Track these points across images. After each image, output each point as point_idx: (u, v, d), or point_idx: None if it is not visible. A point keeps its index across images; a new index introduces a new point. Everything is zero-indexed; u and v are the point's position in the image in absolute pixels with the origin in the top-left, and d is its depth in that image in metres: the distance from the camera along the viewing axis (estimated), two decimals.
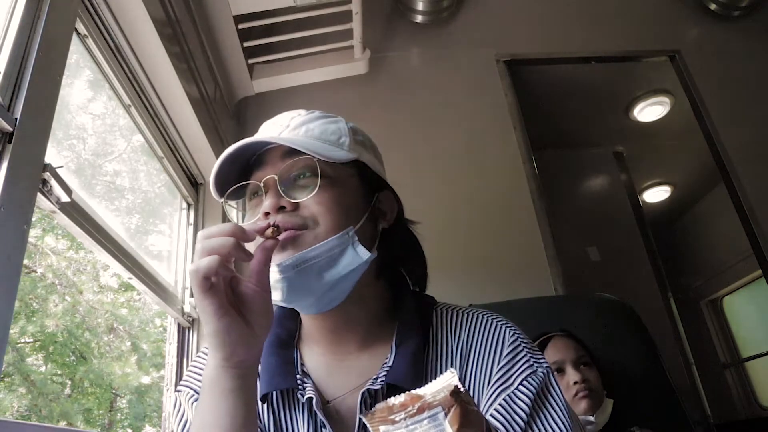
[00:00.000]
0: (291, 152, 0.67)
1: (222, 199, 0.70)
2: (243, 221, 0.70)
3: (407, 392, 0.37)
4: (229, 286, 0.58)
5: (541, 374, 0.65)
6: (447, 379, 0.36)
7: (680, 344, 2.92)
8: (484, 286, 2.02)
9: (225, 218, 1.97)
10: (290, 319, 0.76)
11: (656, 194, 3.95)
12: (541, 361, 0.67)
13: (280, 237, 0.62)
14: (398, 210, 0.76)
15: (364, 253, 0.65)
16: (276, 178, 0.65)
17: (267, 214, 0.64)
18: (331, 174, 0.67)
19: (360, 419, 0.63)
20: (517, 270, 2.10)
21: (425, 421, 0.33)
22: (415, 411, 0.34)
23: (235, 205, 0.73)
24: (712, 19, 2.75)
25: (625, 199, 3.29)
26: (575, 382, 1.33)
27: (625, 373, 1.43)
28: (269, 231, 0.61)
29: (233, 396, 0.57)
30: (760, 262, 2.30)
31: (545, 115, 2.79)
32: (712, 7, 2.73)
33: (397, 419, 0.35)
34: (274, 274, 0.62)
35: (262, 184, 0.67)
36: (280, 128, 0.70)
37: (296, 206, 0.65)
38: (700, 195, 3.84)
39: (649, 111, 3.07)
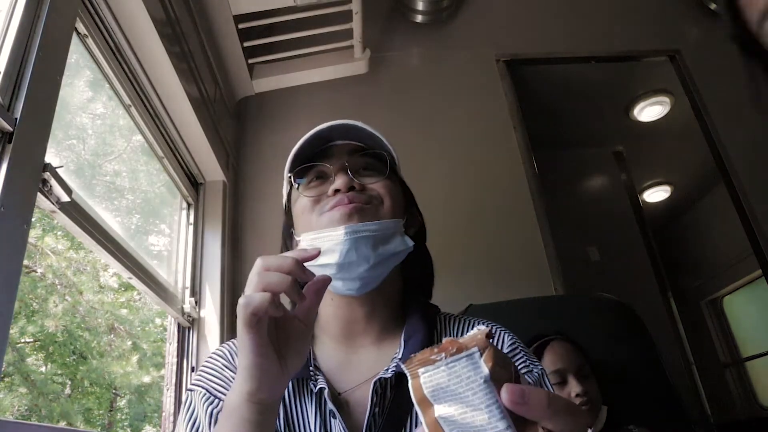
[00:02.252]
0: (357, 150, 0.78)
1: (290, 174, 0.78)
2: (300, 193, 0.77)
3: (445, 339, 0.39)
4: (273, 321, 0.58)
5: (536, 374, 0.70)
6: (479, 330, 0.39)
7: (680, 344, 2.92)
8: (484, 286, 2.01)
9: (225, 218, 1.97)
10: None
11: (656, 194, 3.95)
12: (536, 363, 0.72)
13: (351, 205, 0.71)
14: (421, 225, 0.84)
15: (409, 241, 0.74)
16: (347, 164, 0.75)
17: (336, 191, 0.72)
18: (392, 173, 0.78)
19: (371, 408, 0.66)
20: (517, 270, 2.09)
21: (463, 360, 0.36)
22: (454, 351, 0.36)
23: (292, 183, 0.79)
24: (712, 19, 2.75)
25: (625, 199, 3.29)
26: (577, 395, 1.30)
27: (624, 373, 1.43)
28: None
29: (251, 427, 0.57)
30: (760, 262, 2.30)
31: (545, 115, 2.79)
32: (712, 6, 2.72)
33: (437, 359, 0.37)
34: (338, 237, 0.68)
35: (331, 167, 0.75)
36: (340, 122, 0.78)
37: (363, 188, 0.74)
38: (700, 195, 3.84)
39: (649, 111, 3.06)
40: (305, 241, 0.73)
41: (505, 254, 2.12)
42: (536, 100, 2.64)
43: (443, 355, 0.37)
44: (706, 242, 3.88)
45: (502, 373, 0.35)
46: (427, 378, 0.37)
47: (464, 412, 0.35)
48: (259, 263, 0.58)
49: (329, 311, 0.76)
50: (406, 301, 0.79)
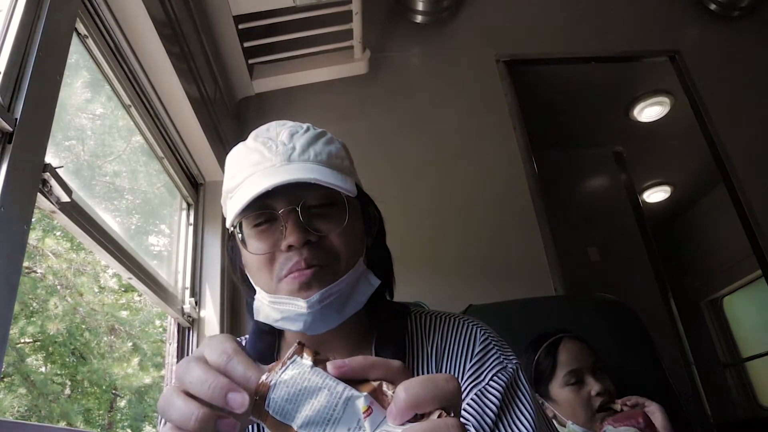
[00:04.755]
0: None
1: (234, 227, 0.68)
2: (246, 248, 0.68)
3: (267, 368, 0.43)
4: None
5: (510, 370, 0.68)
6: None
7: (680, 344, 2.92)
8: (484, 287, 2.01)
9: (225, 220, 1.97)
10: (270, 333, 0.75)
11: (656, 194, 3.95)
12: (511, 357, 0.70)
13: (308, 271, 0.64)
14: (380, 224, 0.77)
15: (375, 281, 0.70)
16: (298, 209, 0.65)
17: (290, 246, 0.64)
18: (347, 205, 0.68)
19: None
20: (517, 270, 2.09)
21: (290, 366, 0.41)
22: (280, 366, 0.41)
23: (240, 232, 0.69)
24: (712, 19, 2.75)
25: (625, 199, 3.29)
26: (598, 393, 1.24)
27: (625, 374, 1.42)
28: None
29: None
30: (760, 262, 2.30)
31: (545, 115, 2.79)
32: (712, 7, 2.73)
33: (270, 381, 0.41)
34: (300, 309, 0.64)
35: (280, 214, 0.65)
36: (283, 148, 0.67)
37: (320, 237, 0.66)
38: (700, 195, 3.84)
39: (649, 111, 3.07)
40: (264, 303, 0.67)
41: (505, 254, 2.12)
42: (536, 100, 2.64)
43: (273, 374, 0.41)
44: (706, 242, 3.88)
45: (322, 358, 0.42)
46: (272, 403, 0.40)
47: (312, 404, 0.39)
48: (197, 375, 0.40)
49: (296, 335, 0.71)
50: (374, 306, 0.74)
